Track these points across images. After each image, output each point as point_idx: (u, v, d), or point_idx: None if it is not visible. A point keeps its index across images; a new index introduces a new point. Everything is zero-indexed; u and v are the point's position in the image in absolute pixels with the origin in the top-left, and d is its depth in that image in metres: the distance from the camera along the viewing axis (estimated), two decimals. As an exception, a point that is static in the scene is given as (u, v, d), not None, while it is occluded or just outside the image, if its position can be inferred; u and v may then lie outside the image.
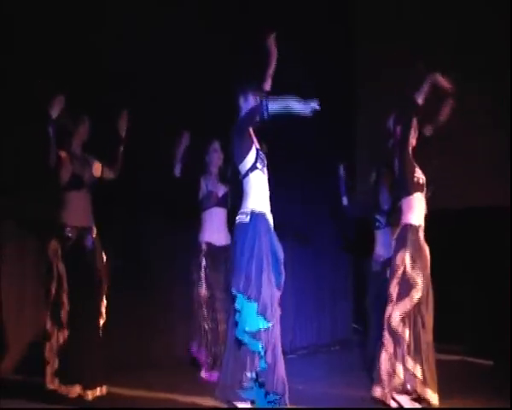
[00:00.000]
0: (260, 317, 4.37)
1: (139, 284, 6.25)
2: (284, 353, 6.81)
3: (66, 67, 5.67)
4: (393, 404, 4.87)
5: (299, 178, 7.66)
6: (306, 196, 7.72)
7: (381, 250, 6.28)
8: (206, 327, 5.92)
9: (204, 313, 5.91)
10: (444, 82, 5.10)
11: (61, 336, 4.99)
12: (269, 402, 4.47)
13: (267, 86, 4.61)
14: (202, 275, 5.93)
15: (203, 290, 5.92)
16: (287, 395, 4.47)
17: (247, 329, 4.35)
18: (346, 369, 6.36)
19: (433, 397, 4.83)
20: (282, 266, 4.60)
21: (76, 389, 4.96)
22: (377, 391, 4.89)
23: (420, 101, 5.00)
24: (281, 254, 4.60)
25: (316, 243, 7.78)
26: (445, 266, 7.06)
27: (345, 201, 6.55)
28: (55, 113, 4.96)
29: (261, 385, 4.44)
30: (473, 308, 7.05)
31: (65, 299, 5.00)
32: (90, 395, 5.00)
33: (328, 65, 7.83)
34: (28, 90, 5.43)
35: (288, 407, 4.59)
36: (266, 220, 4.57)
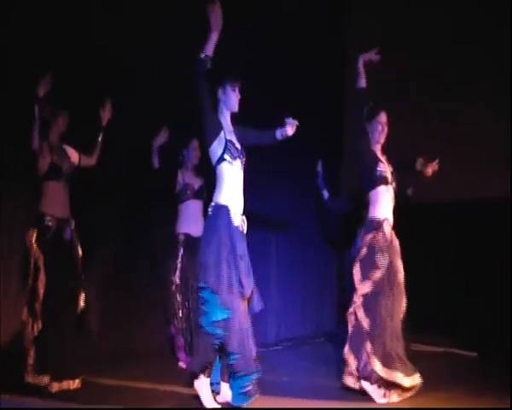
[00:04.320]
0: (221, 307, 4.43)
1: (122, 276, 6.28)
2: (269, 345, 6.89)
3: (52, 59, 5.65)
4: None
5: (286, 170, 7.64)
6: (293, 188, 7.70)
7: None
8: (181, 314, 6.01)
9: (178, 301, 6.01)
10: (372, 56, 5.07)
11: (36, 327, 4.96)
12: (240, 387, 4.50)
13: (209, 51, 4.55)
14: (178, 264, 6.04)
15: (177, 279, 6.02)
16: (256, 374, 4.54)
17: (215, 319, 4.43)
18: (331, 361, 6.34)
19: (404, 380, 4.83)
20: (241, 262, 4.56)
21: (45, 380, 4.91)
22: (348, 380, 4.94)
23: (362, 84, 5.01)
24: (239, 250, 4.56)
25: (301, 236, 7.77)
26: (430, 259, 7.15)
27: (325, 195, 6.54)
28: (41, 91, 4.93)
29: (233, 371, 4.50)
30: (458, 300, 7.08)
31: (40, 290, 4.97)
32: (55, 387, 4.95)
33: (316, 68, 7.87)
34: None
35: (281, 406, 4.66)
36: (227, 213, 4.58)
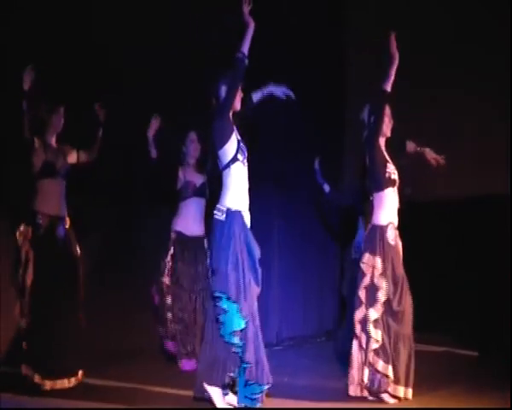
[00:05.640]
0: (240, 317, 4.40)
1: (117, 274, 6.25)
2: (270, 344, 6.88)
3: (52, 58, 5.66)
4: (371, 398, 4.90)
5: (287, 169, 7.62)
6: (293, 187, 7.65)
7: (361, 238, 6.28)
8: (170, 316, 5.90)
9: (168, 302, 5.90)
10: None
11: (24, 321, 4.99)
12: (248, 393, 4.50)
13: (245, 50, 4.56)
14: (168, 263, 5.94)
15: (166, 279, 5.92)
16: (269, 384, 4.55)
17: (235, 329, 4.38)
18: (332, 360, 6.34)
19: (406, 392, 4.83)
20: (258, 264, 4.60)
21: (36, 377, 4.93)
22: (352, 390, 4.91)
23: (388, 88, 4.96)
24: (256, 253, 4.60)
25: (302, 234, 7.74)
26: (431, 258, 7.13)
27: (326, 188, 6.51)
28: (26, 84, 4.96)
29: (244, 379, 4.48)
30: (460, 299, 7.06)
31: (28, 284, 4.99)
32: (48, 384, 4.96)
33: (317, 60, 7.82)
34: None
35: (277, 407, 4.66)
36: (242, 218, 4.58)
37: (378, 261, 4.93)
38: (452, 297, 7.08)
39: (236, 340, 4.40)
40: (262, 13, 6.99)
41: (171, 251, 5.96)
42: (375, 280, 4.91)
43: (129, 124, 6.09)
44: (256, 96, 4.94)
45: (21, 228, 5.09)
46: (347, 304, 6.34)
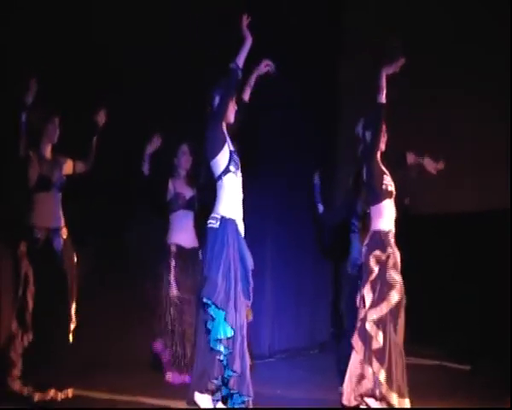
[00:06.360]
0: (228, 325, 4.37)
1: (107, 284, 6.19)
2: (263, 356, 6.85)
3: (52, 59, 5.65)
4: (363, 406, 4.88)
5: (283, 177, 7.61)
6: (288, 195, 7.60)
7: (357, 253, 6.26)
8: (170, 327, 5.88)
9: (172, 314, 5.89)
10: (396, 68, 4.97)
11: (26, 338, 4.93)
12: (230, 403, 4.50)
13: (240, 63, 4.52)
14: (172, 276, 5.92)
15: (174, 291, 5.91)
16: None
17: (220, 337, 4.36)
18: (325, 373, 6.28)
19: (397, 401, 4.79)
20: (250, 275, 4.57)
21: (28, 389, 4.87)
22: (347, 396, 4.87)
23: (382, 100, 4.91)
24: (249, 263, 4.58)
25: (295, 246, 7.67)
26: (427, 271, 7.11)
27: (320, 208, 6.51)
28: (29, 98, 4.92)
29: (228, 388, 4.47)
30: (454, 312, 7.05)
31: (29, 300, 4.94)
32: (37, 396, 4.88)
33: (311, 72, 7.81)
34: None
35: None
36: (236, 227, 4.55)
37: (381, 258, 4.91)
38: (447, 311, 7.07)
39: (222, 348, 4.37)
40: (262, 12, 7.03)
41: (173, 264, 5.94)
42: (386, 277, 4.88)
43: (129, 124, 6.07)
44: (246, 95, 4.91)
45: (21, 245, 5.02)
46: (346, 319, 6.30)
